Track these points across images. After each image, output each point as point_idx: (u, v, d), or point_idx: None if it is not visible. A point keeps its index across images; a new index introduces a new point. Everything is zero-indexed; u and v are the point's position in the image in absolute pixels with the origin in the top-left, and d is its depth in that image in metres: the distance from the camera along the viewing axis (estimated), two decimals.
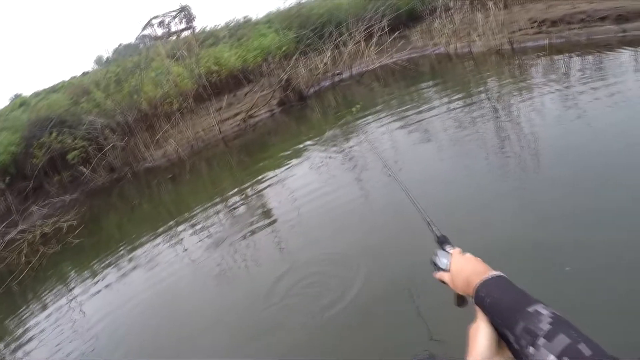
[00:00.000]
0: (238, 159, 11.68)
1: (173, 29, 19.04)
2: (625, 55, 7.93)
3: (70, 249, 9.06)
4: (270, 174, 8.65)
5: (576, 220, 3.85)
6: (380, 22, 16.08)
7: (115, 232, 9.89)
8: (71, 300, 6.64)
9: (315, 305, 4.04)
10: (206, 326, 4.54)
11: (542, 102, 6.86)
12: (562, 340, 0.69)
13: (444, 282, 1.10)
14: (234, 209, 7.78)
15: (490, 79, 9.36)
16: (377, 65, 15.23)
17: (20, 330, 6.28)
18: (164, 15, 18.63)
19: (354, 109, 10.42)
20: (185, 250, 6.71)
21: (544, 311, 0.75)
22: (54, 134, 14.84)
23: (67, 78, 23.28)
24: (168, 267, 6.29)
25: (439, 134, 7.18)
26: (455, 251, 1.10)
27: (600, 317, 2.76)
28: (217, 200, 8.67)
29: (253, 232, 6.24)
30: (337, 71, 16.16)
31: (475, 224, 4.32)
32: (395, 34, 16.12)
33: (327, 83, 15.91)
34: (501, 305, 0.83)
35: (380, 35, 16.00)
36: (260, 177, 8.73)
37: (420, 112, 8.58)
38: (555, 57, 9.20)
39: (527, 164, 5.18)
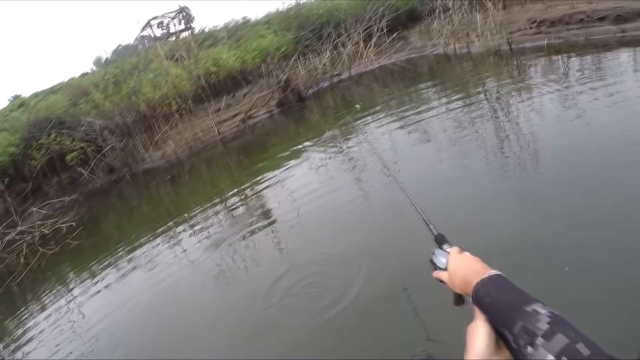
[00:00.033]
0: (237, 160, 11.68)
1: (172, 30, 19.07)
2: (624, 56, 7.95)
3: (70, 250, 9.05)
4: (270, 174, 8.65)
5: (576, 220, 3.85)
6: (380, 22, 16.09)
7: (115, 233, 9.88)
8: (70, 301, 6.63)
9: (314, 305, 4.05)
10: (206, 326, 4.54)
11: (541, 102, 6.87)
12: (560, 339, 0.69)
13: (442, 281, 1.10)
14: (233, 209, 7.78)
15: (489, 80, 9.37)
16: (376, 66, 15.25)
17: (19, 331, 6.27)
18: (163, 16, 18.66)
19: (357, 106, 10.43)
20: (185, 250, 6.70)
21: (542, 310, 0.75)
22: (52, 135, 14.83)
23: (66, 79, 23.31)
24: (167, 267, 6.28)
25: (438, 135, 7.19)
26: (453, 250, 1.10)
27: (599, 317, 2.76)
28: (216, 201, 8.67)
29: (252, 233, 6.24)
30: (336, 72, 16.17)
31: (475, 224, 4.32)
32: (394, 35, 16.16)
33: (326, 84, 15.92)
34: (499, 304, 0.83)
35: (379, 36, 16.01)
36: (259, 178, 8.73)
37: (419, 113, 8.59)
38: (554, 58, 9.21)
39: (527, 164, 5.19)
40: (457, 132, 6.94)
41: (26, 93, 23.74)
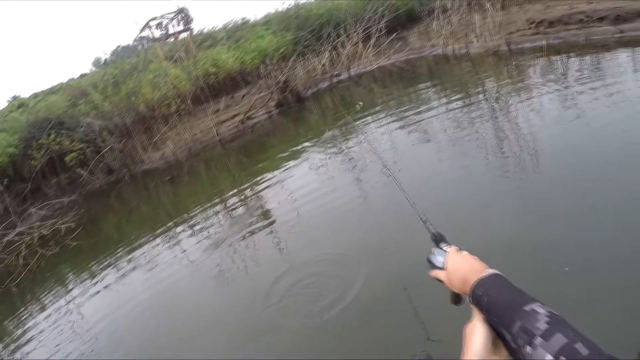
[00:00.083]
0: (236, 161, 11.67)
1: (171, 30, 19.04)
2: (623, 56, 7.96)
3: (69, 251, 9.04)
4: (269, 175, 8.65)
5: (576, 220, 3.86)
6: (379, 23, 16.09)
7: (114, 233, 9.87)
8: (70, 301, 6.62)
9: (314, 305, 4.05)
10: (206, 326, 4.54)
11: (541, 102, 6.88)
12: (559, 339, 0.69)
13: (440, 281, 1.11)
14: (233, 210, 7.77)
15: (488, 80, 9.37)
16: (375, 66, 15.25)
17: (19, 331, 6.26)
18: (162, 17, 18.64)
19: (358, 105, 10.43)
20: (184, 251, 6.70)
21: (541, 310, 0.75)
22: (52, 136, 14.81)
23: (65, 80, 23.35)
24: (167, 267, 6.28)
25: (438, 135, 7.19)
26: (451, 249, 1.10)
27: (599, 317, 2.76)
28: (216, 201, 8.67)
29: (252, 233, 6.24)
30: (335, 72, 16.16)
31: (475, 224, 4.33)
32: (393, 36, 16.15)
33: (325, 84, 15.91)
34: (498, 303, 0.83)
35: (378, 37, 16.01)
36: (258, 179, 8.72)
37: (419, 113, 8.59)
38: (553, 58, 9.22)
39: (527, 164, 5.19)
40: (456, 132, 6.94)
41: (25, 94, 23.83)
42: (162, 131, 15.31)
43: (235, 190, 8.85)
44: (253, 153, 11.61)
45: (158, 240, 7.61)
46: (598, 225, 3.69)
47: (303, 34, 18.55)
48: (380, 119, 9.39)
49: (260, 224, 6.43)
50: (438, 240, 1.18)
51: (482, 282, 0.90)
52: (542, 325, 0.72)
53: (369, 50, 15.77)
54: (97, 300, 6.23)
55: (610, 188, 4.09)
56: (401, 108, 9.66)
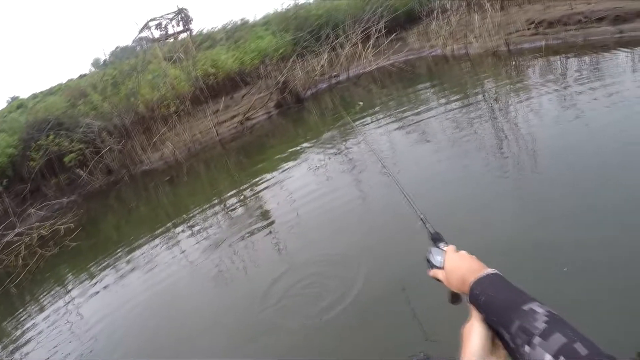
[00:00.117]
0: (236, 161, 11.67)
1: (170, 31, 19.08)
2: (622, 56, 7.96)
3: (68, 252, 9.03)
4: (268, 175, 8.64)
5: (576, 220, 3.86)
6: (378, 23, 16.09)
7: (113, 234, 9.86)
8: (69, 302, 6.61)
9: (313, 306, 4.04)
10: (205, 327, 4.53)
11: (540, 102, 6.88)
12: (558, 339, 0.68)
13: (438, 280, 1.10)
14: (232, 210, 7.77)
15: (487, 81, 9.37)
16: (374, 67, 15.25)
17: (18, 332, 6.25)
18: (161, 17, 18.67)
19: (358, 105, 10.43)
20: (184, 251, 6.69)
21: (540, 309, 0.74)
22: (51, 136, 14.81)
23: (64, 80, 23.31)
24: (166, 268, 6.27)
25: (437, 135, 7.19)
26: (449, 248, 1.10)
27: (599, 317, 2.76)
28: (215, 202, 8.66)
29: (251, 234, 6.23)
30: (334, 73, 16.16)
31: (475, 224, 4.32)
32: (392, 36, 16.15)
33: (324, 85, 15.92)
34: (496, 303, 0.83)
35: (377, 37, 16.01)
36: (258, 179, 8.72)
37: (418, 113, 8.59)
38: (552, 58, 9.23)
39: (526, 164, 5.19)
40: (456, 133, 6.94)
41: (24, 94, 23.81)
42: (162, 132, 15.30)
43: (234, 191, 8.85)
44: (252, 153, 11.61)
45: (157, 240, 7.60)
46: (598, 225, 3.68)
47: (302, 35, 18.55)
48: (380, 119, 9.39)
49: (259, 225, 6.43)
50: (436, 239, 1.18)
51: (480, 282, 0.89)
52: (540, 324, 0.71)
53: (368, 50, 15.77)
54: (96, 301, 6.23)
55: (610, 188, 4.09)
56: (400, 108, 9.65)
